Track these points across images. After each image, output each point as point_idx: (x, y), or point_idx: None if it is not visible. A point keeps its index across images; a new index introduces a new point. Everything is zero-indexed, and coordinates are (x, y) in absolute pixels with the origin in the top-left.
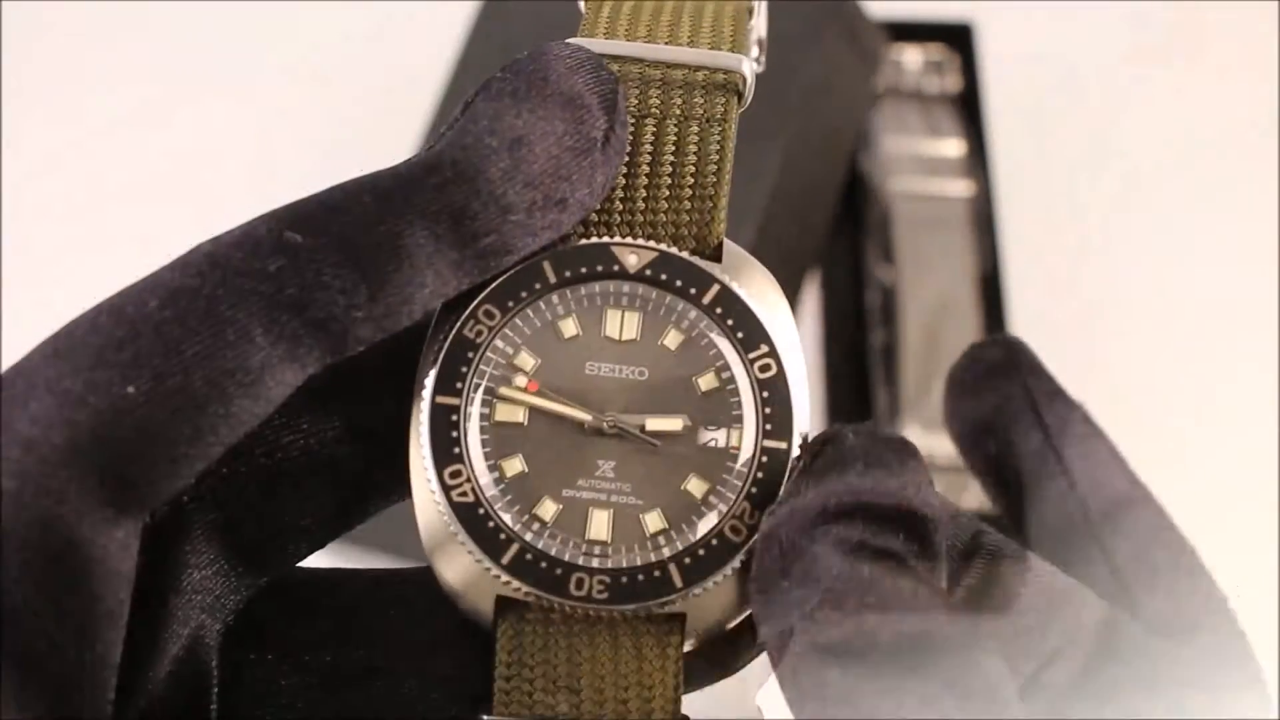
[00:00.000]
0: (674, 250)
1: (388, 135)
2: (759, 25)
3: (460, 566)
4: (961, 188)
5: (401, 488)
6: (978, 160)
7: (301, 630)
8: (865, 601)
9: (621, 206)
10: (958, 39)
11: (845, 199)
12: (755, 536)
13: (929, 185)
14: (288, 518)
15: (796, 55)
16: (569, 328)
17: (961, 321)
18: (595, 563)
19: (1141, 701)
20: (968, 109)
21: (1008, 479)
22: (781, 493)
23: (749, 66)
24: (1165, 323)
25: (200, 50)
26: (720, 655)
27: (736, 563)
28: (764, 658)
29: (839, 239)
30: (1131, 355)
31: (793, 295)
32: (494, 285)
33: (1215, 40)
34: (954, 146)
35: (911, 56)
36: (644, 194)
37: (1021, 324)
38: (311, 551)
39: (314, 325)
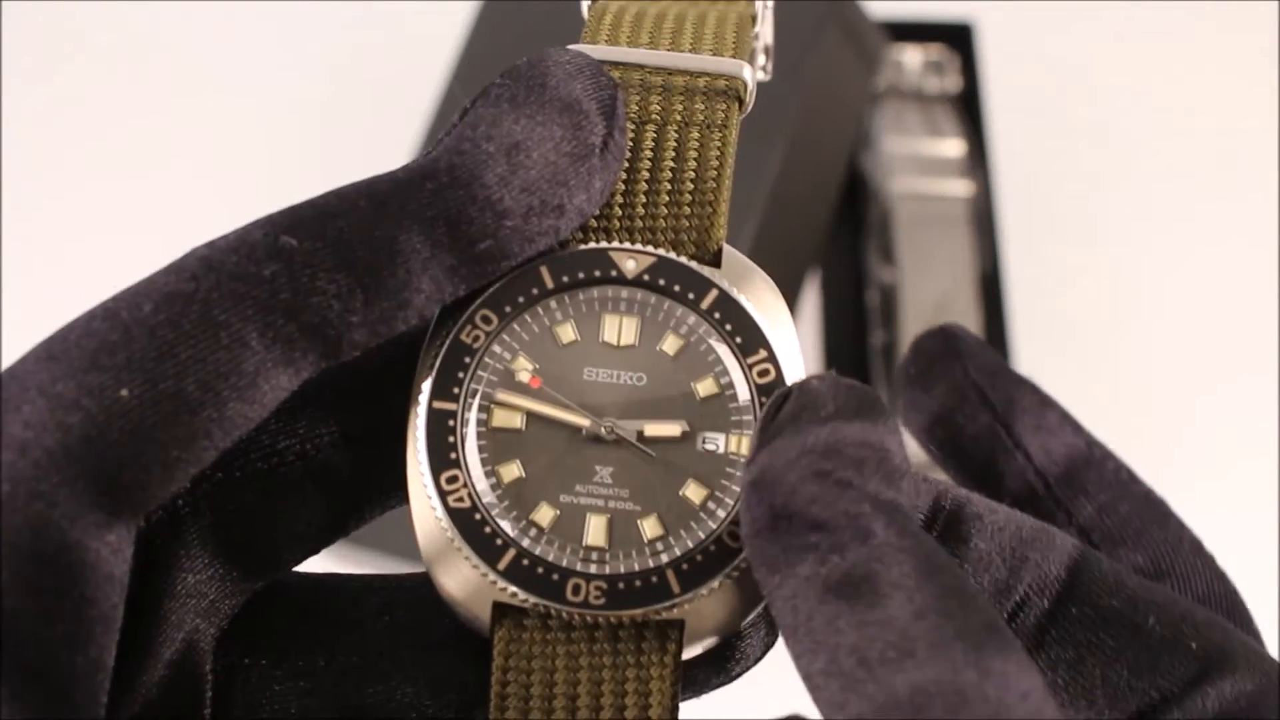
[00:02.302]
0: (673, 255)
1: (387, 136)
2: (765, 33)
3: (457, 572)
4: (961, 188)
5: (398, 494)
6: (978, 160)
7: (296, 635)
8: (867, 537)
9: (621, 212)
10: (958, 39)
11: (845, 199)
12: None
13: (929, 185)
14: (283, 523)
15: (796, 55)
16: (567, 333)
17: (961, 321)
18: (593, 569)
19: (1113, 639)
20: (968, 109)
21: (964, 463)
22: (752, 444)
23: (750, 73)
24: (1165, 322)
25: (200, 50)
26: (720, 661)
27: (735, 569)
28: (762, 664)
29: (839, 239)
30: (1131, 354)
31: (793, 295)
32: (491, 290)
33: (1215, 40)
34: (954, 146)
35: (911, 56)
36: (643, 199)
37: (1021, 324)
38: (307, 556)
39: (309, 330)
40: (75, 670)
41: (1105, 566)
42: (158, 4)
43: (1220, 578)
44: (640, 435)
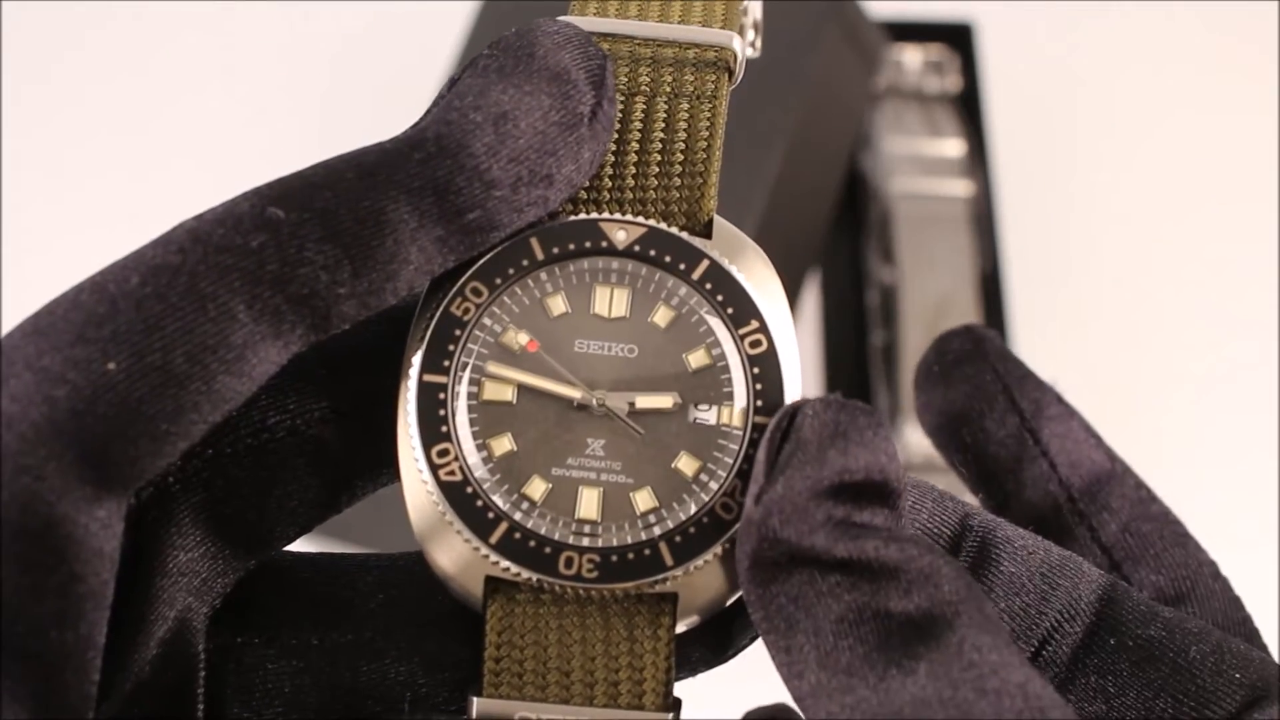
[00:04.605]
0: (663, 226)
1: (387, 135)
2: (754, 10)
3: (449, 547)
4: (961, 188)
5: (389, 469)
6: (978, 160)
7: (289, 613)
8: (877, 579)
9: (611, 183)
10: (958, 39)
11: (845, 199)
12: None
13: (929, 185)
14: (275, 500)
15: (796, 55)
16: (557, 305)
17: (961, 321)
18: (585, 542)
19: (1156, 669)
20: (968, 109)
21: (986, 466)
22: (756, 477)
23: (740, 44)
24: (1165, 321)
25: (201, 49)
26: (714, 639)
27: (728, 541)
28: (756, 646)
29: (839, 239)
30: (1131, 354)
31: (793, 295)
32: (481, 262)
33: (1215, 40)
34: (954, 146)
35: (911, 56)
36: (633, 170)
37: (1021, 324)
38: (299, 534)
39: (297, 301)
40: (65, 647)
41: (1136, 596)
42: (157, 4)
43: (1236, 603)
44: (632, 407)
